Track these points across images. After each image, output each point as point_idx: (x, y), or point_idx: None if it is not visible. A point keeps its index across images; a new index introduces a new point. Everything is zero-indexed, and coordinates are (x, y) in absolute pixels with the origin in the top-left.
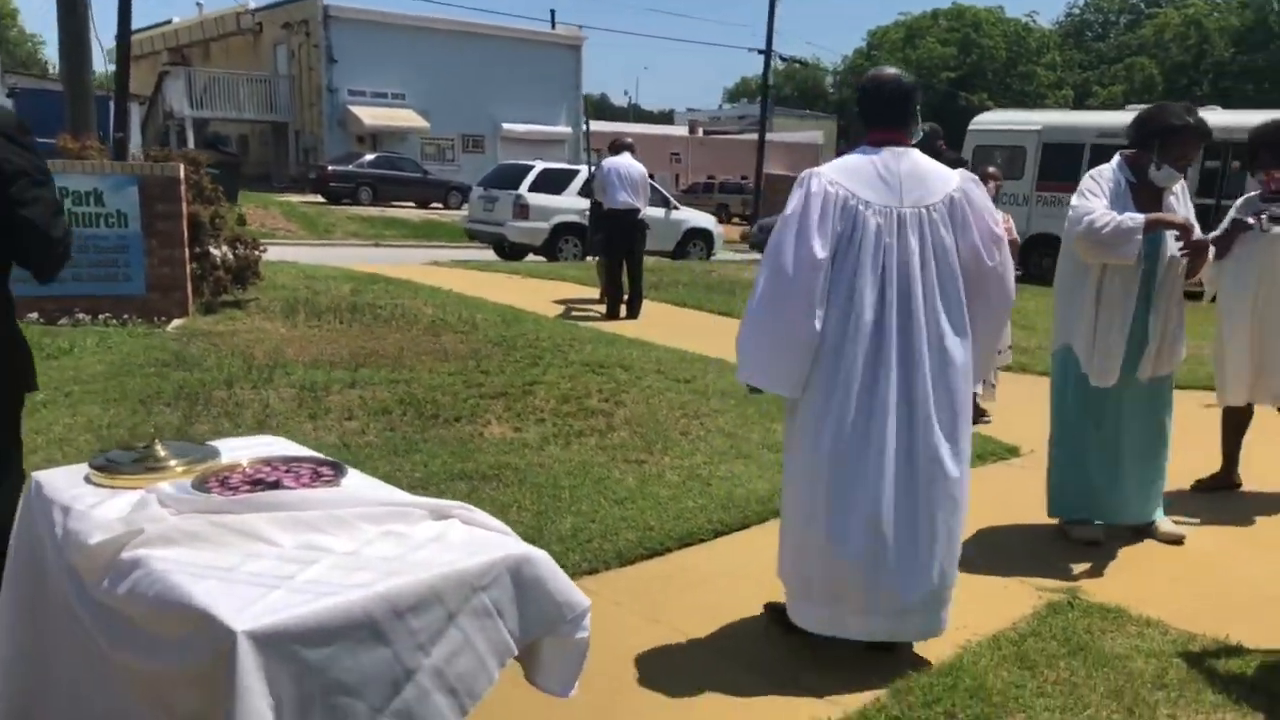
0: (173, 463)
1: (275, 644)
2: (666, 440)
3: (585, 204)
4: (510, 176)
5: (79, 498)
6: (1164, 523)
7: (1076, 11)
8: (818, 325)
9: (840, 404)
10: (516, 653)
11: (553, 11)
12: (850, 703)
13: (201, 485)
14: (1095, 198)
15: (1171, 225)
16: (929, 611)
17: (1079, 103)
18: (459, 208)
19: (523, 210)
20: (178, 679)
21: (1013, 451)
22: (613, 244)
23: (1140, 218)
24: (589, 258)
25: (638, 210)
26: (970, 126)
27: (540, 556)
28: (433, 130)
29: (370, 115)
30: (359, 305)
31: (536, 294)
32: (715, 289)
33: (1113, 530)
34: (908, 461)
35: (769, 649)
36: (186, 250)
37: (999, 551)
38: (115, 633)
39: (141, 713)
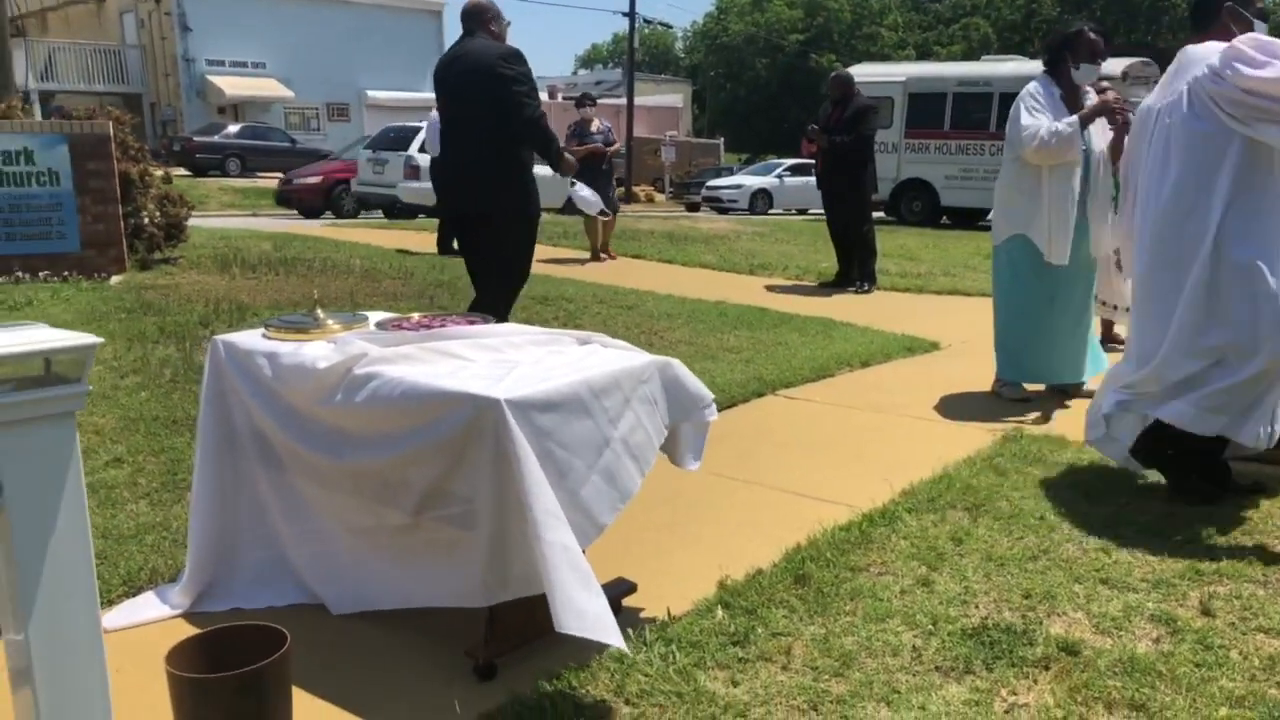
0: (331, 322)
1: (523, 410)
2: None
3: None
4: (399, 138)
5: (278, 346)
6: (1090, 381)
7: None
8: None
9: None
10: (666, 433)
11: None
12: (863, 505)
13: (384, 329)
14: (1040, 114)
15: (1101, 109)
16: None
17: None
18: None
19: (414, 171)
20: (411, 460)
21: (935, 345)
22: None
23: (1074, 118)
24: None
25: None
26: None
27: (677, 362)
28: (296, 99)
29: (231, 85)
30: (287, 259)
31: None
32: (618, 236)
33: (1038, 391)
34: None
35: (777, 473)
36: (120, 207)
37: (951, 411)
38: (341, 443)
39: (362, 510)
